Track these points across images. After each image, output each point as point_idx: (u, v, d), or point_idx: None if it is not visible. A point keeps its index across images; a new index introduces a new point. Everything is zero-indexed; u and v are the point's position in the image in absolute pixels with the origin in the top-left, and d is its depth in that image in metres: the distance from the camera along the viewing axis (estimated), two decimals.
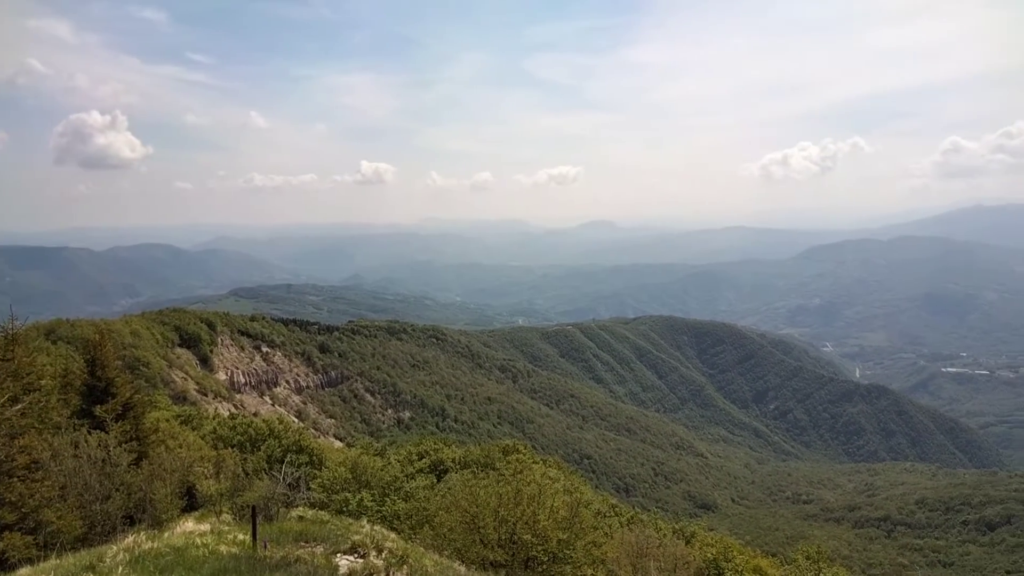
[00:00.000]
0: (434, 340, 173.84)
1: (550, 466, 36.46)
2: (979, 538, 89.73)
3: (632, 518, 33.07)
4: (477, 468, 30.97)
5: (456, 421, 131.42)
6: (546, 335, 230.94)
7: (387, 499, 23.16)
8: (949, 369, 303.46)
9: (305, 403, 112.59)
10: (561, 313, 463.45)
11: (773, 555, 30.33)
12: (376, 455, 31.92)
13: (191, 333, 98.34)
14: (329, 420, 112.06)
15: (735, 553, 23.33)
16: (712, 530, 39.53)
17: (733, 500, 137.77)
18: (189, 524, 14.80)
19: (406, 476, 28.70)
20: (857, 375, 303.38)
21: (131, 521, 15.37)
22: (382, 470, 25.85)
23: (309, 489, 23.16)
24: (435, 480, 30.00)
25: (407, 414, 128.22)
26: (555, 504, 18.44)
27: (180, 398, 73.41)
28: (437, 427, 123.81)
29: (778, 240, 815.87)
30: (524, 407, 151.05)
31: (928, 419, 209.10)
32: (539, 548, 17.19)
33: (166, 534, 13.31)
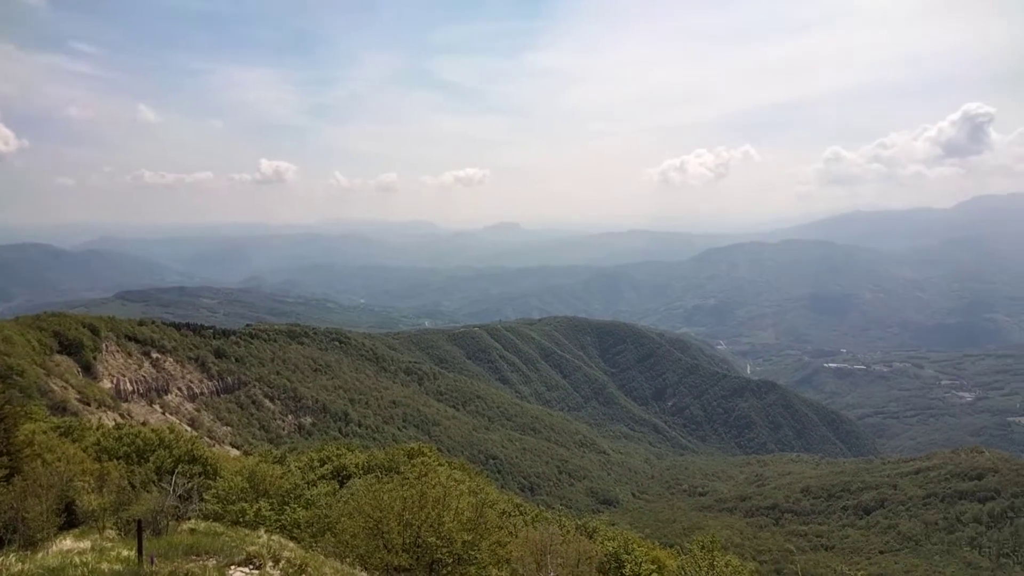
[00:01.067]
0: (337, 343, 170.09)
1: (456, 468, 36.37)
2: (857, 521, 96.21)
3: (537, 516, 33.45)
4: (381, 472, 30.50)
5: (360, 426, 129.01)
6: (453, 337, 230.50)
7: (287, 508, 22.42)
8: (831, 364, 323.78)
9: (199, 411, 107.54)
10: (468, 315, 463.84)
11: (671, 546, 31.44)
12: (275, 462, 30.85)
13: (72, 339, 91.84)
14: (225, 428, 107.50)
15: (635, 546, 24.04)
16: (614, 525, 40.54)
17: (634, 495, 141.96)
18: (67, 542, 13.80)
19: (307, 483, 27.88)
20: (748, 371, 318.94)
21: (0, 543, 14.19)
22: (281, 478, 25.00)
23: (202, 500, 22.11)
24: (337, 486, 29.30)
25: (308, 420, 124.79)
26: (460, 506, 18.42)
27: (60, 408, 68.41)
28: (340, 432, 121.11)
29: (676, 243, 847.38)
30: (430, 410, 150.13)
31: (812, 412, 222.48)
32: (444, 550, 17.11)
33: (40, 554, 12.36)
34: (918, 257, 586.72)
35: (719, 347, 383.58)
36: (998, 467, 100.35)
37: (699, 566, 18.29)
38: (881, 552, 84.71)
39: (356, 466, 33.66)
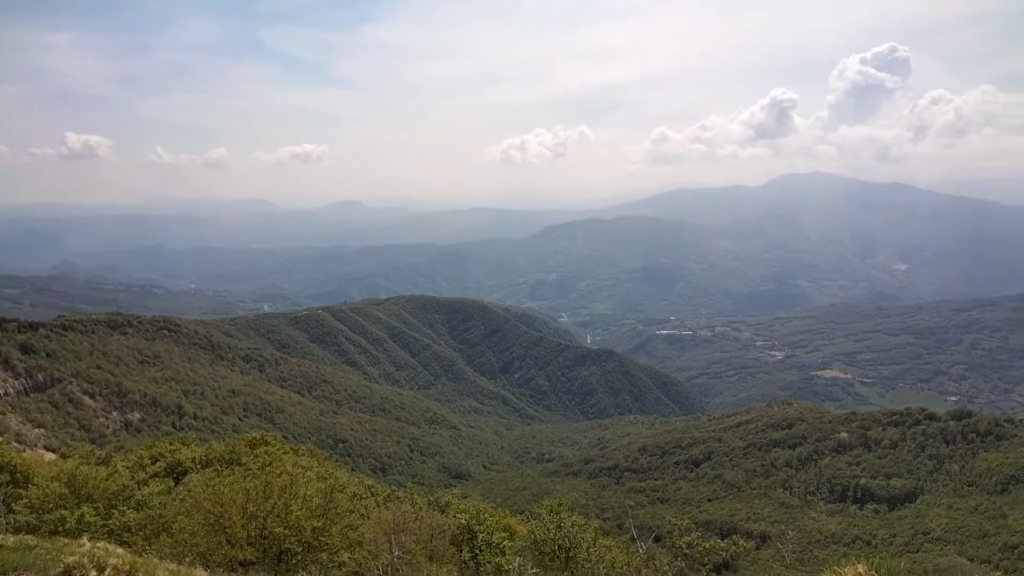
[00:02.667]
0: (166, 332, 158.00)
1: (302, 455, 35.22)
2: (688, 474, 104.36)
3: (389, 496, 33.24)
4: (221, 465, 28.95)
5: (196, 418, 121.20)
6: (295, 320, 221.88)
7: (115, 511, 20.69)
8: (662, 332, 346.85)
9: (3, 413, 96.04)
10: (311, 297, 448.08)
11: (521, 513, 32.45)
12: (100, 464, 28.32)
13: None
14: (37, 430, 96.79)
15: (486, 516, 24.56)
16: (466, 497, 41.13)
17: (485, 467, 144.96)
18: None
19: (137, 483, 25.88)
20: (589, 341, 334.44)
21: None
22: (107, 479, 23.00)
23: (12, 512, 20.00)
24: (172, 484, 27.49)
25: (136, 415, 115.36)
26: (309, 492, 17.92)
27: None
28: (174, 427, 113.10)
29: (519, 220, 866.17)
30: (273, 397, 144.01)
31: (647, 376, 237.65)
32: (293, 539, 16.60)
33: None
34: (735, 230, 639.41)
35: (562, 319, 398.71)
36: (804, 416, 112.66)
37: (548, 528, 19.04)
38: (709, 500, 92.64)
39: (193, 461, 31.69)
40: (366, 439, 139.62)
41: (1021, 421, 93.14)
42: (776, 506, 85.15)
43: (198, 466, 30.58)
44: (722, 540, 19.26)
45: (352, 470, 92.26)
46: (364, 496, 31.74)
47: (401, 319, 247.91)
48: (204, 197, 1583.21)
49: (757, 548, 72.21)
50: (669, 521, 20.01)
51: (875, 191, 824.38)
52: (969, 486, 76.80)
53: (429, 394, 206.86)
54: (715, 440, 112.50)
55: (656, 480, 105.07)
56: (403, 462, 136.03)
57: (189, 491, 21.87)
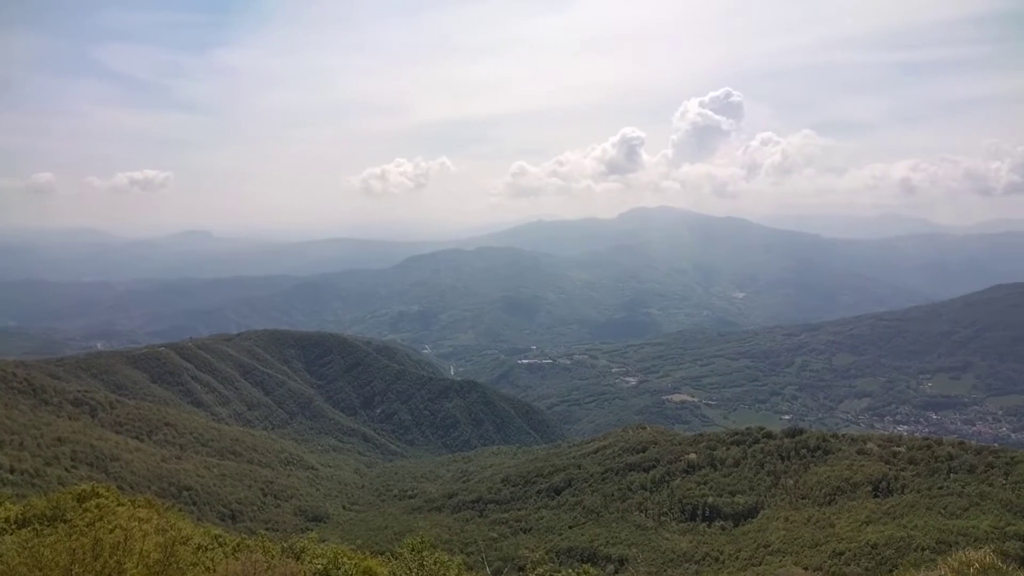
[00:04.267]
0: None
1: (140, 506, 32.30)
2: (549, 503, 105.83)
3: (239, 545, 31.13)
4: (42, 524, 25.93)
5: (13, 472, 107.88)
6: (133, 359, 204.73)
7: None
8: (523, 361, 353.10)
9: None
10: (152, 333, 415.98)
11: (382, 553, 31.49)
12: None
13: None
14: None
15: (345, 559, 23.64)
16: (324, 541, 39.39)
17: (344, 507, 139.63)
18: None
19: None
20: (452, 373, 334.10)
21: None
22: None
23: None
24: None
25: None
26: (145, 548, 16.41)
27: None
28: None
29: (380, 250, 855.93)
30: (107, 444, 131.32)
31: (509, 406, 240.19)
32: None
33: None
34: (591, 261, 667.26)
35: (425, 351, 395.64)
36: (657, 439, 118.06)
37: (409, 568, 18.64)
38: (570, 527, 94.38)
39: (7, 521, 28.18)
40: (214, 485, 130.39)
41: (844, 436, 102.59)
42: (633, 529, 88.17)
43: (13, 527, 27.23)
44: (582, 565, 19.67)
45: (198, 519, 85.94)
46: (210, 547, 29.52)
47: (254, 355, 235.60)
48: (27, 225, 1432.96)
49: (616, 572, 74.30)
50: (522, 554, 20.25)
51: (715, 224, 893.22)
52: (802, 499, 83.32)
53: (284, 433, 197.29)
54: (575, 467, 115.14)
55: (519, 510, 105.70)
56: (255, 507, 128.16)
57: (1, 557, 19.41)
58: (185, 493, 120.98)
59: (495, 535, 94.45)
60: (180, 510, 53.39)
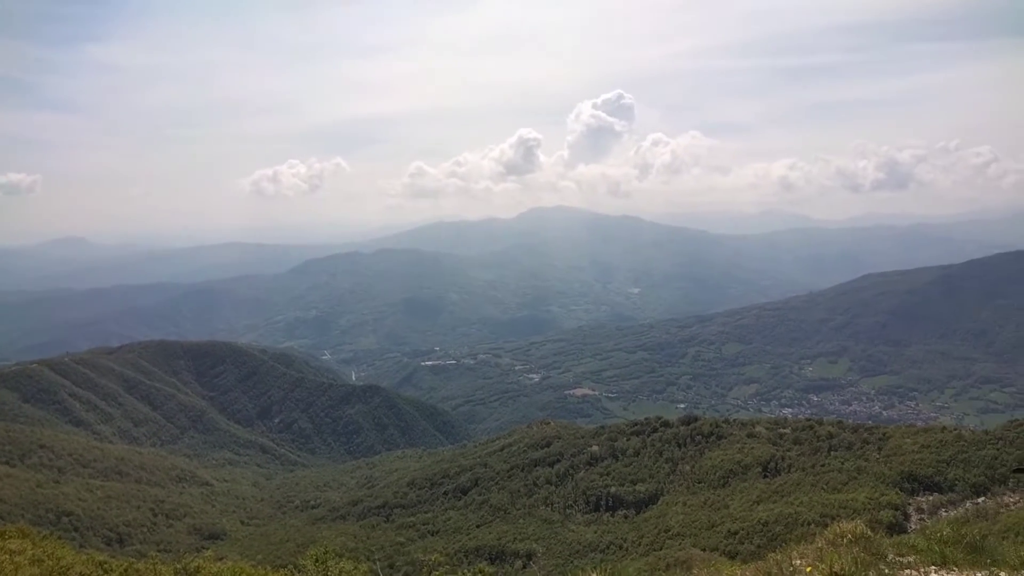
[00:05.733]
0: None
1: (12, 537, 29.76)
2: (456, 504, 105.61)
3: (126, 570, 29.29)
4: None
5: None
6: (1, 378, 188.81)
7: None
8: (427, 363, 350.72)
9: None
10: (22, 349, 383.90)
11: (284, 567, 30.45)
12: None
13: None
14: None
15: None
16: (222, 559, 37.65)
17: (243, 522, 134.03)
18: None
19: None
20: (353, 378, 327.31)
21: None
22: None
23: None
24: None
25: None
26: None
27: None
28: None
29: (274, 255, 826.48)
30: None
31: (413, 409, 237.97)
32: None
33: None
34: (492, 261, 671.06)
35: (324, 357, 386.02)
36: (560, 434, 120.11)
37: None
38: (478, 526, 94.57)
39: None
40: (97, 508, 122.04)
41: (735, 421, 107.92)
42: (540, 523, 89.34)
43: None
44: (478, 564, 19.71)
45: (81, 546, 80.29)
46: (94, 574, 27.63)
47: (139, 368, 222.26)
48: None
49: (524, 566, 75.11)
50: (417, 558, 20.17)
51: (610, 223, 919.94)
52: (699, 483, 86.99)
53: (175, 449, 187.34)
54: (481, 466, 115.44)
55: (426, 513, 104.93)
56: (145, 529, 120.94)
57: None
58: (65, 519, 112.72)
59: (402, 539, 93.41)
60: (59, 538, 49.64)
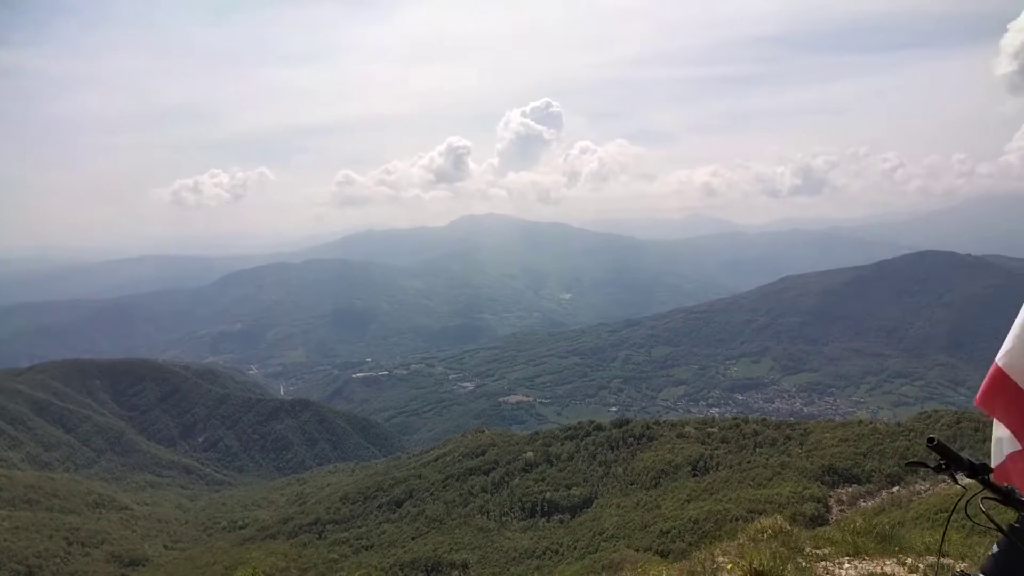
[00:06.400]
0: None
1: None
2: (391, 516, 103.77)
3: None
4: None
5: None
6: None
7: None
8: (358, 375, 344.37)
9: None
10: None
11: None
12: None
13: None
14: None
15: None
16: None
17: (166, 546, 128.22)
18: None
19: None
20: (282, 392, 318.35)
21: None
22: None
23: None
24: None
25: None
26: None
27: None
28: None
29: (197, 267, 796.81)
30: None
31: (345, 422, 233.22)
32: None
33: None
34: (423, 269, 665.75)
35: (251, 372, 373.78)
36: (495, 441, 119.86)
37: None
38: (414, 538, 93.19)
39: None
40: (4, 540, 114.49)
41: (665, 422, 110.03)
42: (476, 532, 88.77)
43: None
44: None
45: None
46: None
47: (50, 390, 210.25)
48: None
49: None
50: (350, 571, 19.66)
51: (540, 230, 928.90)
52: (631, 485, 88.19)
53: (91, 474, 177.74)
54: (415, 477, 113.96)
55: (360, 527, 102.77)
56: (58, 560, 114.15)
57: None
58: None
59: (335, 556, 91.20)
60: None
